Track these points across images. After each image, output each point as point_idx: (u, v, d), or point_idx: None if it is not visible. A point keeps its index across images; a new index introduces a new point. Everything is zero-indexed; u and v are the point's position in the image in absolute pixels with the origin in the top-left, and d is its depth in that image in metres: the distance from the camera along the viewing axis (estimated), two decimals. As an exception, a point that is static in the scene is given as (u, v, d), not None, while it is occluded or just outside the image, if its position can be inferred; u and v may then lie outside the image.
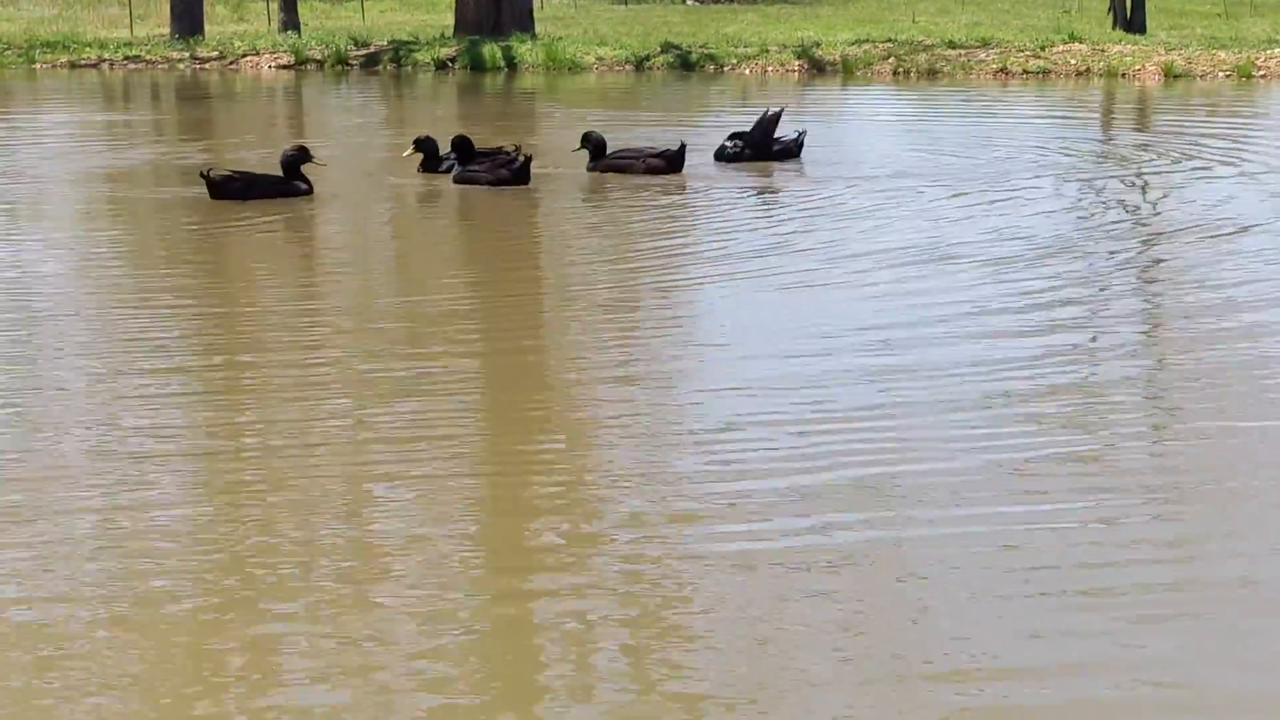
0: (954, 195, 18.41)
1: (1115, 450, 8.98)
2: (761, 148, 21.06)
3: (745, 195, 18.98)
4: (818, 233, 16.23)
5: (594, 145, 20.48)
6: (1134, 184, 19.95)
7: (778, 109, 21.42)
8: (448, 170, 19.48)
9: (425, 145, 19.84)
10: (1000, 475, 8.43)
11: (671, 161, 20.20)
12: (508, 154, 19.61)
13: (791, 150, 21.18)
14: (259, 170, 18.83)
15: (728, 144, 21.04)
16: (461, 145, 19.57)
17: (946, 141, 24.61)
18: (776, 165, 20.80)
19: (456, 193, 18.92)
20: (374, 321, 12.48)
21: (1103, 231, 16.38)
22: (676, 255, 15.62)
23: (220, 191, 17.86)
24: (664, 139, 21.97)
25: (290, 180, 18.28)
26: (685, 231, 17.00)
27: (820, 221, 16.92)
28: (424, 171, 19.72)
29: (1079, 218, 17.27)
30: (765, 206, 18.32)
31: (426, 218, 18.55)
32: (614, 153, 20.36)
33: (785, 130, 21.33)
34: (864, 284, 13.47)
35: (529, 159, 19.34)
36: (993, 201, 17.99)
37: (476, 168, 19.33)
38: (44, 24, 45.81)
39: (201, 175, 17.94)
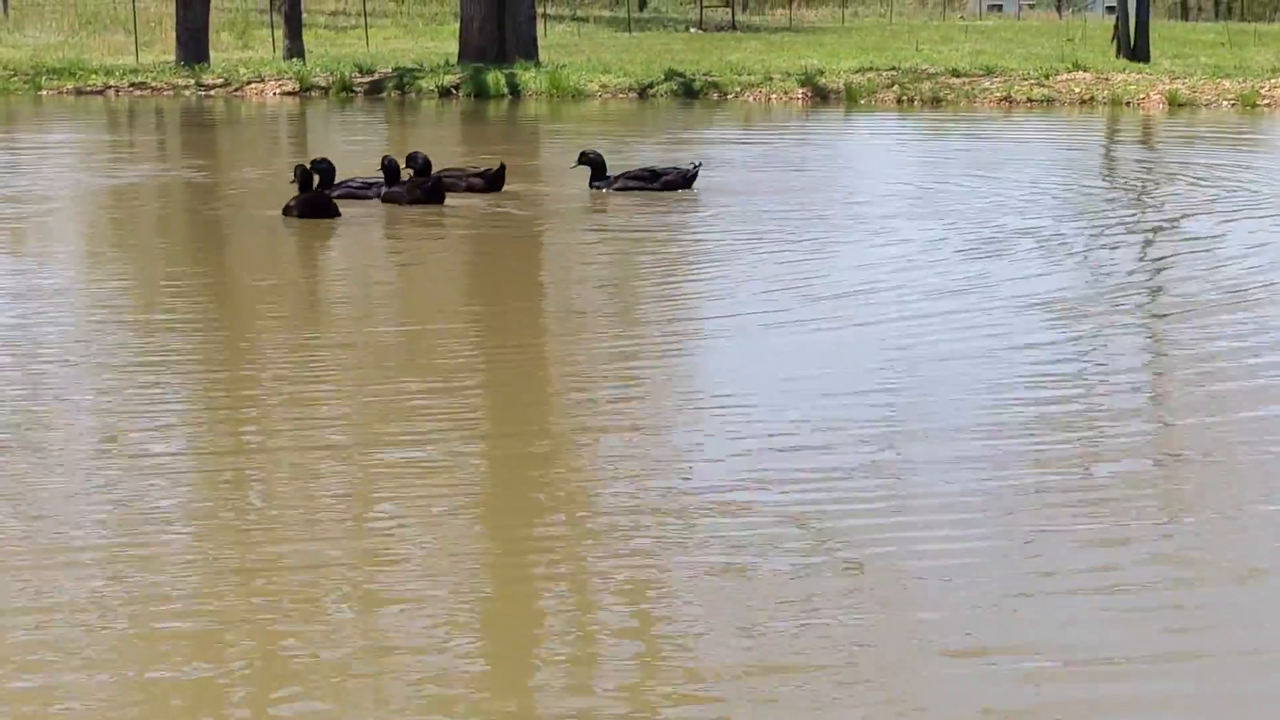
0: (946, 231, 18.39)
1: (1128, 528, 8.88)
2: (648, 178, 20.83)
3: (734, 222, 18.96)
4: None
5: (593, 163, 20.63)
6: (1137, 219, 19.94)
7: (691, 169, 21.12)
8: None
9: (389, 166, 19.89)
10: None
11: (491, 181, 20.26)
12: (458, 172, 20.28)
13: (678, 182, 20.75)
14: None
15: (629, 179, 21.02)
16: (389, 168, 19.62)
17: (949, 171, 24.61)
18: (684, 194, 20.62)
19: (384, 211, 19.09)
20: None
21: (1100, 271, 16.31)
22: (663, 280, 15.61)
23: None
24: (664, 163, 22.00)
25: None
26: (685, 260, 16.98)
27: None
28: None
29: (1080, 256, 17.24)
30: (745, 237, 18.24)
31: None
32: (441, 171, 20.33)
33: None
34: (832, 321, 13.37)
35: (439, 180, 19.60)
36: (987, 240, 17.91)
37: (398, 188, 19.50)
38: (50, 50, 46.01)
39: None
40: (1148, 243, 17.68)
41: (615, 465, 9.04)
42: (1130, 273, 15.70)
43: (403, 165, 19.99)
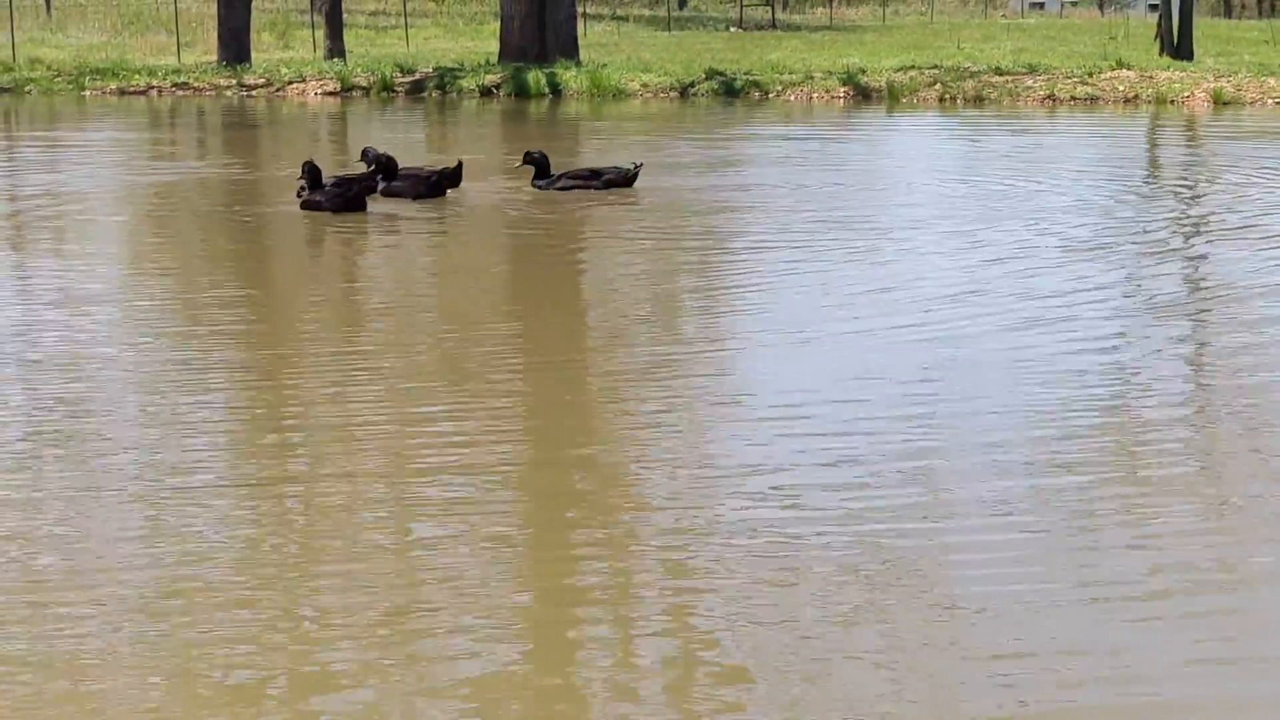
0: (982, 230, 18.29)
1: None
2: (589, 177, 21.00)
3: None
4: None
5: (536, 163, 20.84)
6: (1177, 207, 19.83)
7: (632, 169, 21.16)
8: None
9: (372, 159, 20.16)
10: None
11: (449, 178, 20.25)
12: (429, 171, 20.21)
13: (618, 181, 20.86)
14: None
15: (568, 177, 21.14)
16: (310, 171, 19.29)
17: (1007, 170, 24.53)
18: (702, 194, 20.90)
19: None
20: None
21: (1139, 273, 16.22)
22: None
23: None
24: (709, 162, 21.90)
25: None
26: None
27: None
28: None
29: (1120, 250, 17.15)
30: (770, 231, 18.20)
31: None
32: (402, 169, 20.39)
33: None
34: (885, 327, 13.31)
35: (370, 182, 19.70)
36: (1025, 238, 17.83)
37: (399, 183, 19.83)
38: (93, 51, 46.14)
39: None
40: (1225, 243, 17.41)
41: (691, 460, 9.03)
42: (1226, 273, 15.50)
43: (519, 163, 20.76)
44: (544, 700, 6.09)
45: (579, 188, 20.64)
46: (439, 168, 20.53)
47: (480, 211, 19.56)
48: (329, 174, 19.41)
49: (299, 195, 19.05)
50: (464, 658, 6.40)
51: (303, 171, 19.17)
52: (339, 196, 18.93)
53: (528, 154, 21.18)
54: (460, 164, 20.58)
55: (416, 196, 19.68)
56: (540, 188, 20.65)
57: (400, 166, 20.36)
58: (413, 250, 17.45)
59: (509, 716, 5.95)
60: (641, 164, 21.37)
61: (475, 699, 6.05)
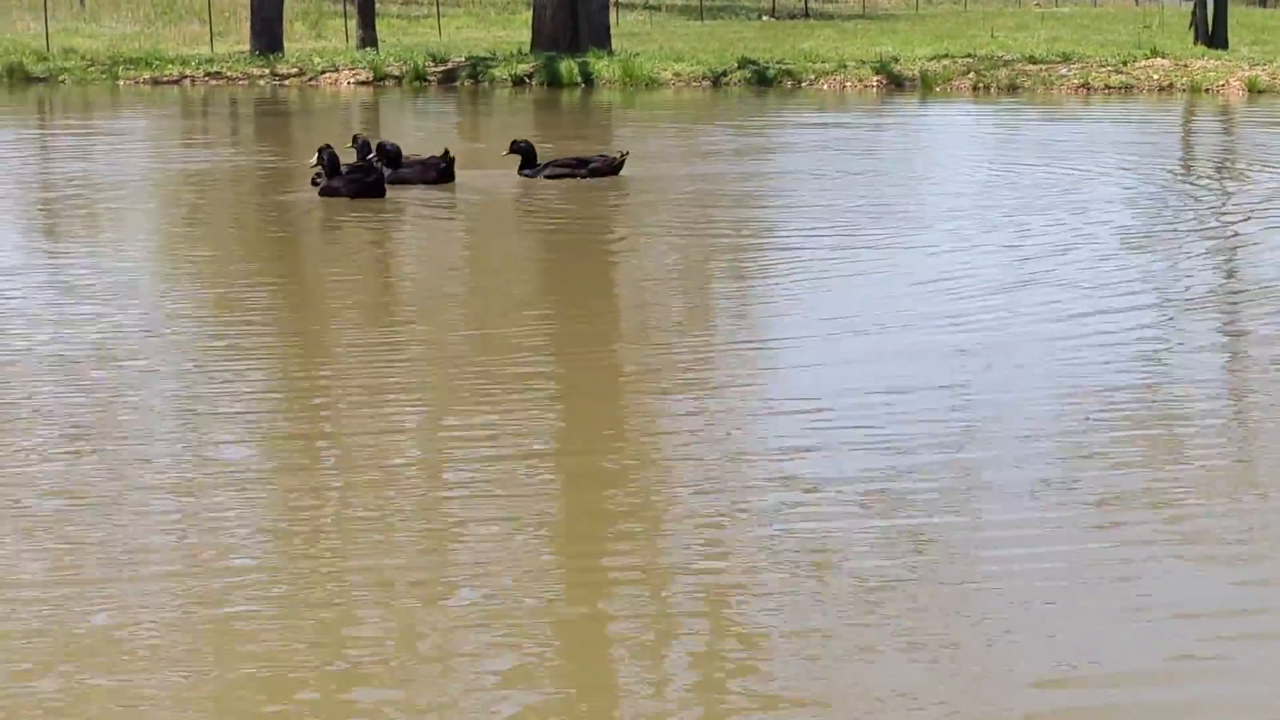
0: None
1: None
2: (576, 165, 20.94)
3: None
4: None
5: (523, 152, 20.83)
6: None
7: (618, 158, 21.21)
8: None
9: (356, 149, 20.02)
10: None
11: (443, 173, 20.16)
12: (435, 160, 20.11)
13: (604, 169, 20.85)
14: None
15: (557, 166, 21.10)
16: (329, 159, 19.33)
17: (1049, 158, 24.47)
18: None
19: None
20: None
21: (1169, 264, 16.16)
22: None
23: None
24: (742, 150, 21.83)
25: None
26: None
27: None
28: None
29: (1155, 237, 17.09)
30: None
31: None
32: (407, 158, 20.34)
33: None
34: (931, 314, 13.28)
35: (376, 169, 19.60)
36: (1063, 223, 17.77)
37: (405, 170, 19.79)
38: (126, 41, 46.15)
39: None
40: (1266, 232, 17.30)
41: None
42: (1267, 262, 15.39)
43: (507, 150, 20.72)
44: (575, 678, 6.10)
45: (565, 175, 20.64)
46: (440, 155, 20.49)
47: (494, 199, 19.59)
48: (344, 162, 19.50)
49: (314, 182, 19.15)
50: (499, 648, 6.41)
51: (320, 158, 19.27)
52: (357, 182, 19.03)
53: (514, 143, 21.18)
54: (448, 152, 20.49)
55: (426, 183, 19.74)
56: (527, 176, 20.67)
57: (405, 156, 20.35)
58: (436, 236, 17.55)
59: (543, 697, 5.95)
60: (627, 153, 21.41)
61: (508, 693, 6.06)
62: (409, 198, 19.16)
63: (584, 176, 20.61)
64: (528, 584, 7.02)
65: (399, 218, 18.33)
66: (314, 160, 19.48)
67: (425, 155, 20.63)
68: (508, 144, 21.03)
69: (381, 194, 18.99)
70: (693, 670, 6.20)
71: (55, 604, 6.71)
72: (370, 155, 19.70)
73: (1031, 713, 5.80)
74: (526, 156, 20.87)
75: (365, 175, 19.11)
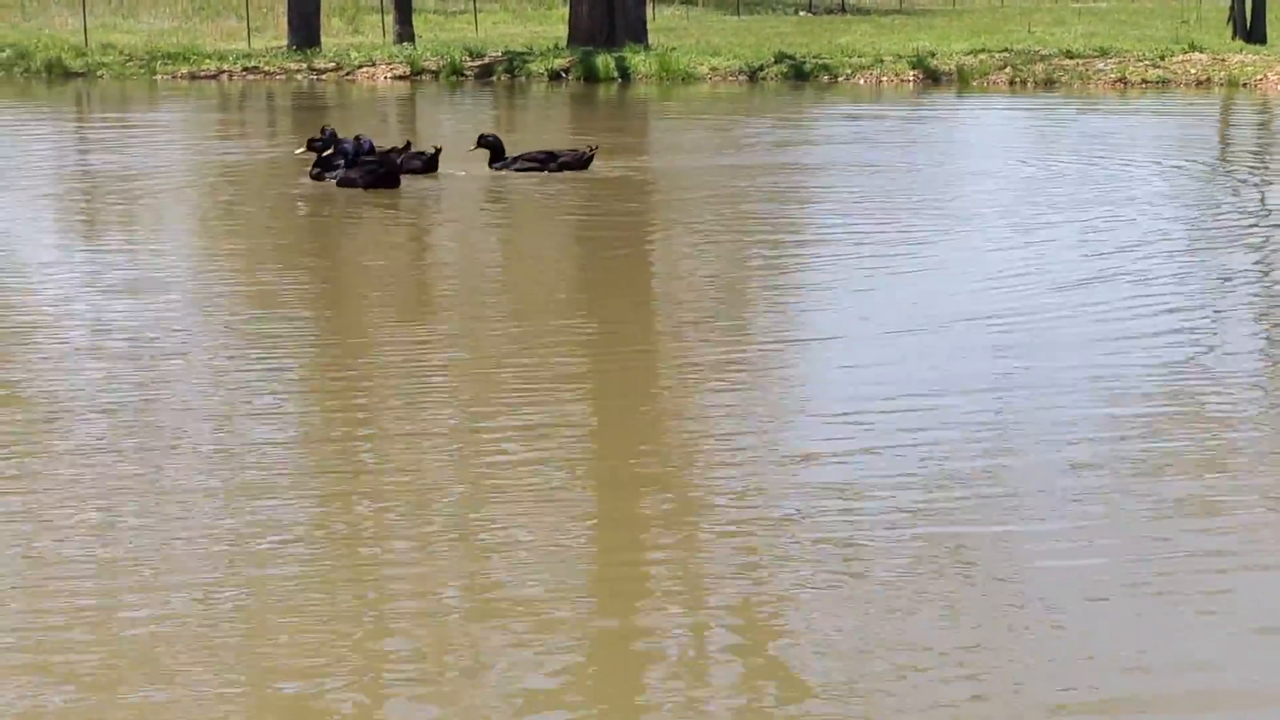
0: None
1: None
2: (545, 159, 20.93)
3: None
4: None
5: (491, 146, 20.81)
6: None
7: (588, 152, 21.17)
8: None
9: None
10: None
11: (428, 163, 20.34)
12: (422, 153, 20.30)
13: (573, 164, 20.84)
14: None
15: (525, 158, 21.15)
16: (348, 151, 19.69)
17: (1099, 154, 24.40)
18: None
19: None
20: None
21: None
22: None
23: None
24: (781, 141, 21.78)
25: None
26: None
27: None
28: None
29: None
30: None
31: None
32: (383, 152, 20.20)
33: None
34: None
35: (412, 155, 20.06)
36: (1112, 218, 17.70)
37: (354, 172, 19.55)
38: (164, 36, 46.22)
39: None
40: None
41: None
42: None
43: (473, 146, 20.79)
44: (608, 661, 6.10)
45: (534, 169, 20.62)
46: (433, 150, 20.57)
47: (518, 195, 19.63)
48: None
49: (313, 176, 19.52)
50: (540, 638, 6.41)
51: (311, 146, 19.76)
52: (372, 173, 19.16)
53: (481, 137, 21.18)
54: (439, 150, 20.57)
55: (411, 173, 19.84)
56: (496, 169, 20.66)
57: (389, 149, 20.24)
58: (461, 227, 17.47)
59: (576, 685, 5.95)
60: (597, 147, 21.40)
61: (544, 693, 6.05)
62: (423, 189, 19.22)
63: (553, 170, 20.58)
64: (566, 564, 7.04)
65: (416, 207, 18.33)
66: (302, 149, 19.88)
67: (413, 151, 20.55)
68: (539, 140, 21.09)
69: (396, 184, 19.08)
70: (724, 655, 6.20)
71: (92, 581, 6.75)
72: (343, 144, 19.81)
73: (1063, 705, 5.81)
74: (495, 150, 20.84)
75: (379, 166, 19.21)
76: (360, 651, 6.27)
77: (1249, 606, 6.67)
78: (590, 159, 20.96)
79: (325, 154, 19.68)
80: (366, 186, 18.90)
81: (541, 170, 20.48)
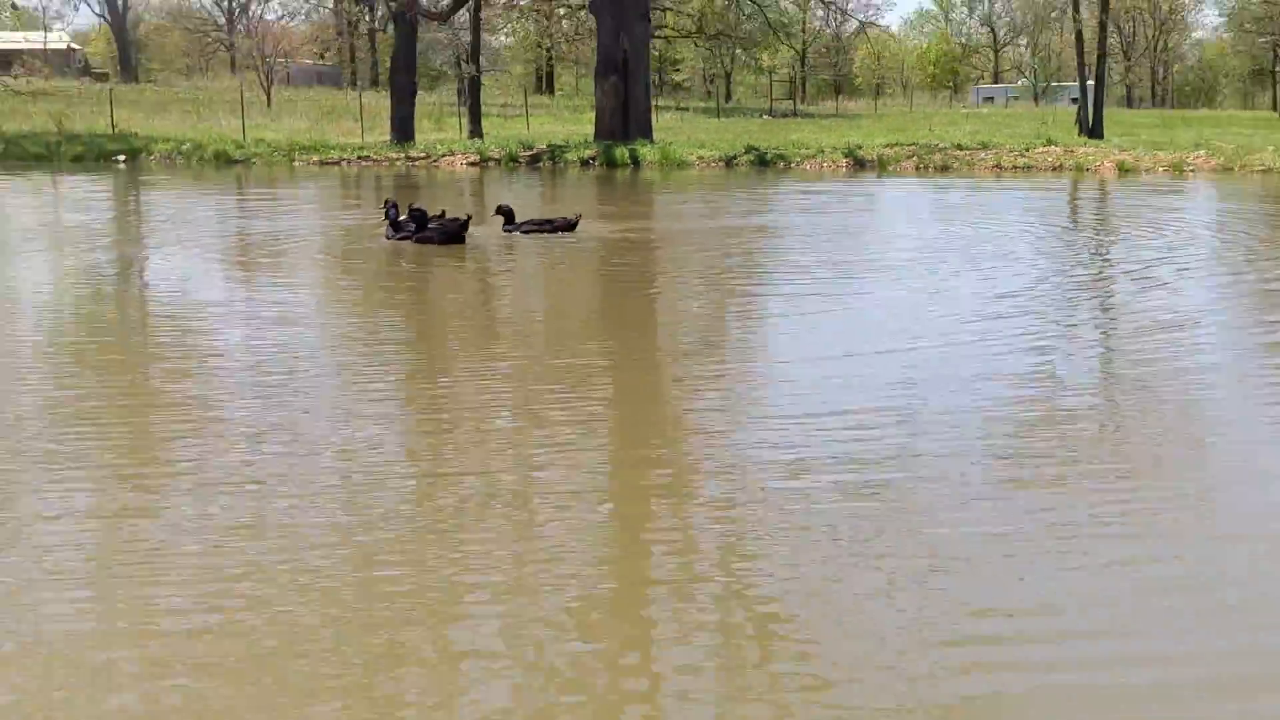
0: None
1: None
2: (544, 225, 20.55)
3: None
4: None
5: (505, 213, 20.54)
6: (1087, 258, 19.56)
7: (575, 217, 20.91)
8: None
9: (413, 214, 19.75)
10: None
11: (461, 227, 19.64)
12: (455, 219, 19.75)
13: (563, 226, 20.51)
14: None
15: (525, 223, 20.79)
16: (417, 215, 19.43)
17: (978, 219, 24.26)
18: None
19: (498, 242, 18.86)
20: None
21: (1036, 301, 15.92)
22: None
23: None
24: (748, 209, 21.67)
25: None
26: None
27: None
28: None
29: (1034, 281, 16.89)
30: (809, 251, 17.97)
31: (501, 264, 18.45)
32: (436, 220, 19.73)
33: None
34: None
35: (466, 219, 19.63)
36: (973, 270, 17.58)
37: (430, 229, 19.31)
38: (300, 133, 46.24)
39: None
40: (1127, 276, 17.26)
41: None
42: (1128, 294, 15.32)
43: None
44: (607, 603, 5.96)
45: (537, 231, 20.30)
46: (464, 217, 20.04)
47: (558, 251, 19.50)
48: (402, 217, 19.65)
49: (388, 236, 19.31)
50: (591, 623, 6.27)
51: (386, 214, 19.60)
52: (443, 231, 19.00)
53: (499, 207, 20.90)
54: (469, 217, 20.18)
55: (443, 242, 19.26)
56: (508, 231, 20.33)
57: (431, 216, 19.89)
58: (510, 274, 17.36)
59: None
60: (580, 215, 21.24)
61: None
62: (485, 244, 19.10)
63: (550, 231, 20.28)
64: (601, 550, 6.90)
65: (481, 259, 18.20)
66: (384, 215, 19.70)
67: (448, 217, 20.07)
68: (570, 210, 20.98)
69: (462, 241, 18.98)
70: (713, 601, 6.06)
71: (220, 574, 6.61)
72: (397, 215, 19.62)
73: (974, 635, 5.67)
74: (508, 216, 20.53)
75: (446, 230, 19.11)
76: (439, 636, 6.09)
77: (1090, 560, 6.52)
78: (576, 223, 20.72)
79: (397, 220, 19.58)
80: (441, 243, 18.86)
81: (541, 232, 20.24)
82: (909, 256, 18.32)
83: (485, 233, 20.52)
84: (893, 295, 14.91)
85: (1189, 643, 5.63)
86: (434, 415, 9.50)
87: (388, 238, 19.47)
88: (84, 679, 5.25)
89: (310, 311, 14.22)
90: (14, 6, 50.84)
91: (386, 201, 20.39)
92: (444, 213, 20.32)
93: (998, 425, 9.07)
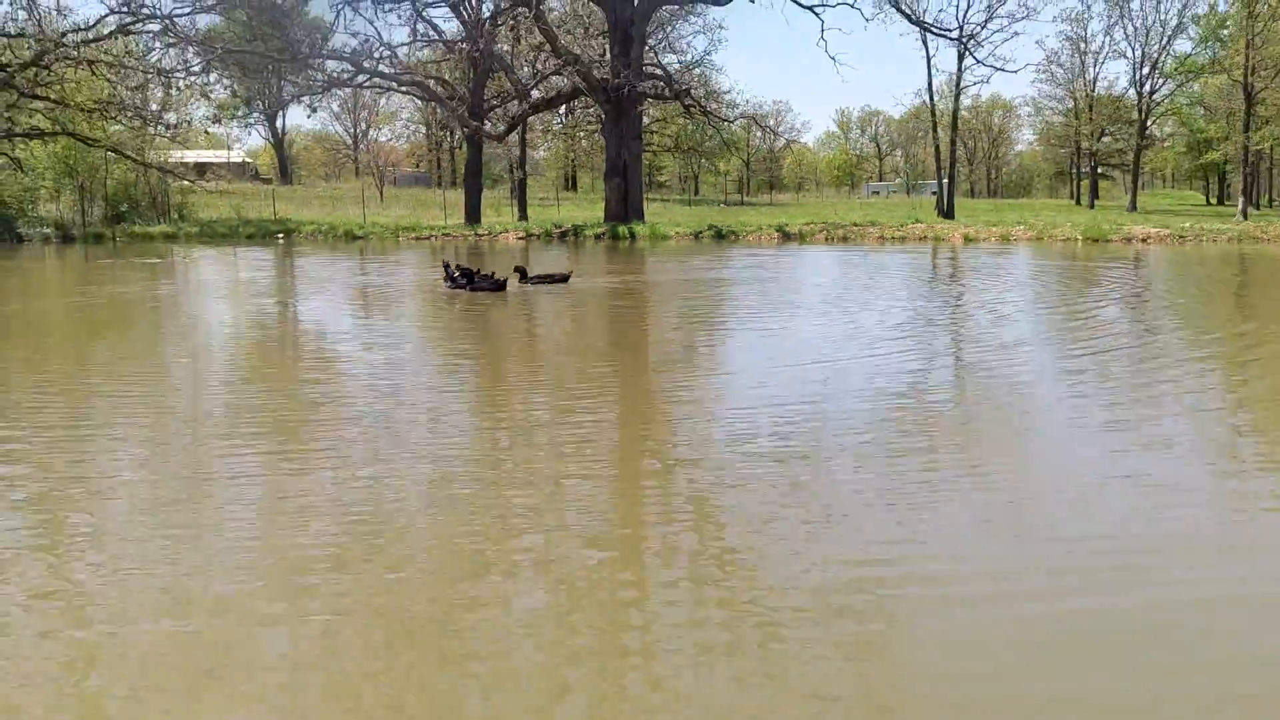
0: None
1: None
2: (546, 279, 19.80)
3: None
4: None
5: (521, 271, 20.03)
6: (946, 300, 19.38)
7: (568, 273, 20.32)
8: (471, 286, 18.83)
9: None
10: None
11: (497, 283, 18.83)
12: (489, 275, 19.24)
13: (561, 280, 19.84)
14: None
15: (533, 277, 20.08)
16: (466, 273, 19.03)
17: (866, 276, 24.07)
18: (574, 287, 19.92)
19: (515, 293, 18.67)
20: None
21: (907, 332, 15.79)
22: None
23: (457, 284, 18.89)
24: (709, 266, 21.46)
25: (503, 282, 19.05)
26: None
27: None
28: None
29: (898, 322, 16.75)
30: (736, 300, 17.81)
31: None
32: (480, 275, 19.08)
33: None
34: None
35: (505, 280, 19.11)
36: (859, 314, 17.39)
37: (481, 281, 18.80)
38: (403, 218, 46.15)
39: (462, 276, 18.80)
40: (974, 314, 17.08)
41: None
42: (976, 328, 15.08)
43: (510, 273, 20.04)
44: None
45: (546, 282, 19.65)
46: (503, 277, 19.56)
47: (578, 294, 19.34)
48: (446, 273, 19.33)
49: (447, 281, 18.97)
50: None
51: (447, 273, 19.24)
52: (490, 281, 18.75)
53: (516, 267, 20.32)
54: (508, 279, 19.62)
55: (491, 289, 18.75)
56: (521, 284, 19.65)
57: (477, 273, 19.33)
58: (540, 309, 17.24)
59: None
60: (573, 270, 20.70)
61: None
62: (517, 292, 18.88)
63: (551, 282, 19.62)
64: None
65: (520, 303, 18.00)
66: (445, 275, 19.33)
67: (494, 275, 19.55)
68: (591, 270, 20.73)
69: (504, 289, 18.72)
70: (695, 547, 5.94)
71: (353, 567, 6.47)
72: (455, 273, 19.23)
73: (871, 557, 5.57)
74: (523, 274, 19.95)
75: (490, 279, 18.96)
76: (498, 633, 5.80)
77: (963, 513, 6.41)
78: (569, 276, 20.17)
79: (452, 275, 19.28)
80: (490, 290, 18.66)
81: (548, 283, 19.67)
82: (821, 297, 18.23)
83: (511, 286, 20.18)
84: (811, 324, 14.81)
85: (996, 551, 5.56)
86: (496, 393, 9.40)
87: (447, 288, 19.26)
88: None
89: (404, 333, 14.14)
90: (206, 132, 50.61)
91: (444, 263, 20.16)
92: (494, 273, 20.06)
93: (883, 413, 8.98)
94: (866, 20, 67.83)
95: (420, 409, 9.21)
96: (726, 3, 43.09)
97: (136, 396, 9.64)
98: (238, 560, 5.44)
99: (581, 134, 72.25)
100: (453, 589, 5.09)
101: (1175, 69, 60.09)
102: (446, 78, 44.04)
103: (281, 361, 12.06)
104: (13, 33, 37.78)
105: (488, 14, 41.99)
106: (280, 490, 6.68)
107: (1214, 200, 79.25)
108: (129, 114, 39.95)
